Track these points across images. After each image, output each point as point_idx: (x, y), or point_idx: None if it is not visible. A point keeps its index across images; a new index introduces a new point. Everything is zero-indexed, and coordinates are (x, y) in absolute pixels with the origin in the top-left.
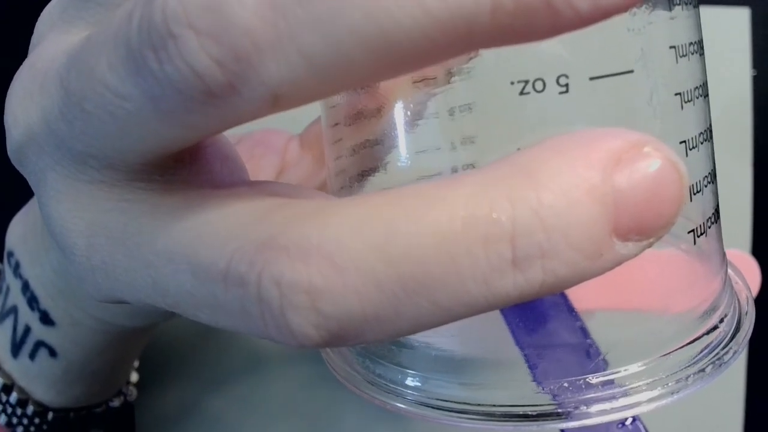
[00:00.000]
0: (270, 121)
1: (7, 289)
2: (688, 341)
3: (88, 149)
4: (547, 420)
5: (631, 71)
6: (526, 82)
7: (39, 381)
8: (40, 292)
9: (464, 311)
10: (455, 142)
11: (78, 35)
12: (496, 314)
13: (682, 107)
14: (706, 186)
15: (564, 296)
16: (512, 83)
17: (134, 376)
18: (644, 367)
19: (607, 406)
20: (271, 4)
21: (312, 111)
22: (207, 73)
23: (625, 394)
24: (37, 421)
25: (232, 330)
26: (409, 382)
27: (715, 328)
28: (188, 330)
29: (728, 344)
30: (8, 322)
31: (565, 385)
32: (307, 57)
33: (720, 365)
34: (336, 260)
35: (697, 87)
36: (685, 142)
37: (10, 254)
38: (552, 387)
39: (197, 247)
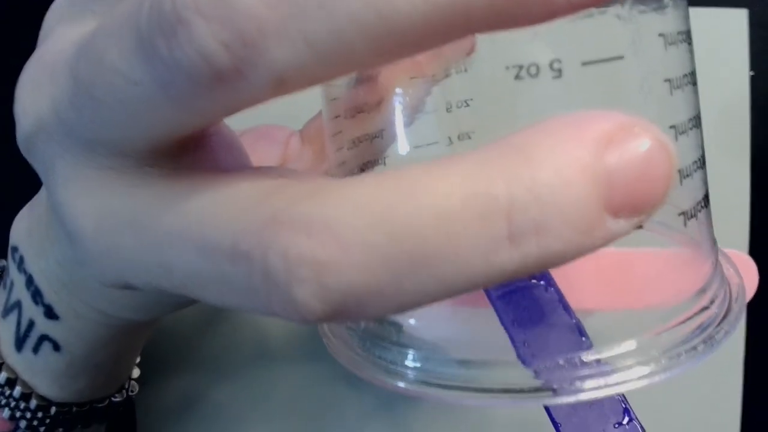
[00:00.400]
0: (271, 117)
1: (11, 284)
2: (680, 321)
3: (97, 136)
4: (543, 395)
5: (622, 57)
6: (521, 67)
7: (42, 375)
8: (44, 286)
9: (463, 286)
10: (452, 137)
11: (86, 27)
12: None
13: (671, 93)
14: (695, 171)
15: (551, 280)
16: (507, 68)
17: (136, 371)
18: (637, 346)
19: (601, 382)
20: None
21: (312, 107)
22: (215, 57)
23: (618, 371)
24: (40, 415)
25: (237, 309)
26: (409, 362)
27: (706, 308)
28: (188, 324)
29: (720, 324)
30: (12, 317)
31: (560, 362)
32: (309, 42)
33: (712, 344)
34: (340, 235)
35: (685, 74)
36: (674, 127)
37: (15, 249)
38: (548, 364)
39: (203, 226)
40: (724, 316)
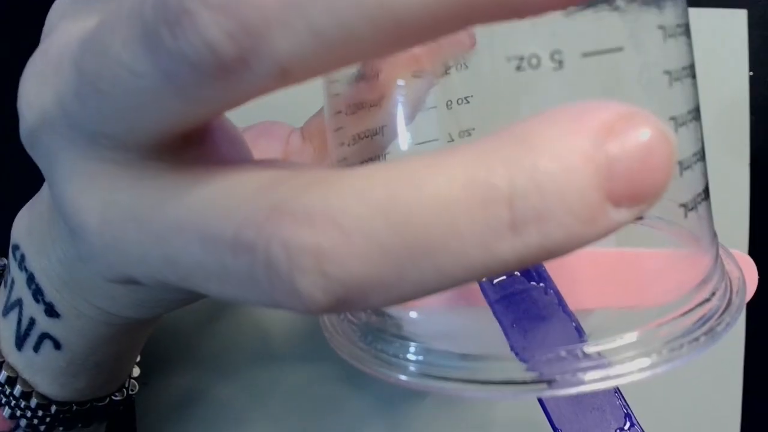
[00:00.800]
0: (272, 114)
1: (12, 282)
2: (681, 312)
3: (102, 129)
4: (545, 387)
5: (621, 49)
6: (522, 58)
7: (43, 373)
8: (45, 284)
9: (465, 275)
10: (453, 134)
11: (90, 22)
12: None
13: (670, 85)
14: (695, 163)
15: (547, 276)
16: (508, 59)
17: (136, 370)
18: (638, 338)
19: (603, 373)
20: None
21: (313, 104)
22: (219, 47)
23: (620, 363)
24: (40, 413)
25: (241, 301)
26: (411, 355)
27: (707, 301)
28: (188, 323)
29: (721, 316)
30: (13, 315)
31: (562, 354)
32: (314, 31)
33: (713, 336)
34: (341, 224)
35: (684, 67)
36: (674, 118)
37: (16, 247)
38: (550, 356)
39: (206, 217)
40: (725, 309)
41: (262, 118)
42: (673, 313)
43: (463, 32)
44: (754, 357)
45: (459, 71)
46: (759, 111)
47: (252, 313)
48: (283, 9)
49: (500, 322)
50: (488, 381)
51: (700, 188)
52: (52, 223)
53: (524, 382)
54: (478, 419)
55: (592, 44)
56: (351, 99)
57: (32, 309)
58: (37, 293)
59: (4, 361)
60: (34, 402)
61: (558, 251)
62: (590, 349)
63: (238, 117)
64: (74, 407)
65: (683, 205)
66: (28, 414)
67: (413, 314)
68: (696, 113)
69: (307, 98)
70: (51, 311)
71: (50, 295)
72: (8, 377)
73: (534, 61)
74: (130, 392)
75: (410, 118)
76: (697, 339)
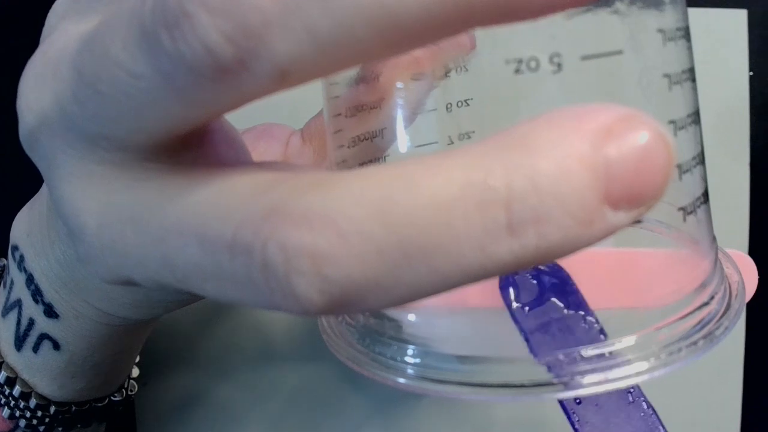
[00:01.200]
0: (272, 116)
1: (11, 283)
2: (680, 316)
3: (101, 130)
4: (543, 390)
5: (621, 52)
6: (520, 61)
7: (42, 374)
8: (44, 285)
9: (461, 278)
10: (452, 137)
11: (89, 24)
12: (494, 289)
13: (670, 88)
14: (695, 166)
15: (561, 269)
16: (507, 62)
17: (135, 371)
18: (637, 340)
19: (601, 377)
20: None
21: (313, 106)
22: (218, 49)
23: (619, 366)
24: (39, 414)
25: (239, 303)
26: (409, 358)
27: (706, 304)
28: (187, 324)
29: (720, 320)
30: (12, 316)
31: (561, 357)
32: (313, 34)
33: (712, 339)
34: (339, 226)
35: (684, 71)
36: (674, 122)
37: (15, 248)
38: (548, 359)
39: (204, 219)
40: (724, 312)
41: (262, 119)
42: (671, 316)
43: (463, 35)
44: (754, 357)
45: (459, 74)
46: (759, 111)
47: (251, 314)
48: (282, 11)
49: (502, 294)
50: (486, 384)
51: (699, 192)
52: (51, 224)
53: (522, 386)
54: (477, 419)
55: (592, 47)
56: (351, 101)
57: (31, 310)
58: (36, 294)
59: (3, 362)
60: (33, 402)
61: (555, 253)
62: (588, 352)
63: (238, 118)
64: (73, 408)
65: (682, 209)
66: (28, 414)
67: (411, 316)
68: (695, 117)
69: (306, 100)
70: (50, 312)
71: (49, 295)
72: (7, 378)
73: (533, 64)
74: (129, 393)
75: (410, 120)
76: (695, 343)
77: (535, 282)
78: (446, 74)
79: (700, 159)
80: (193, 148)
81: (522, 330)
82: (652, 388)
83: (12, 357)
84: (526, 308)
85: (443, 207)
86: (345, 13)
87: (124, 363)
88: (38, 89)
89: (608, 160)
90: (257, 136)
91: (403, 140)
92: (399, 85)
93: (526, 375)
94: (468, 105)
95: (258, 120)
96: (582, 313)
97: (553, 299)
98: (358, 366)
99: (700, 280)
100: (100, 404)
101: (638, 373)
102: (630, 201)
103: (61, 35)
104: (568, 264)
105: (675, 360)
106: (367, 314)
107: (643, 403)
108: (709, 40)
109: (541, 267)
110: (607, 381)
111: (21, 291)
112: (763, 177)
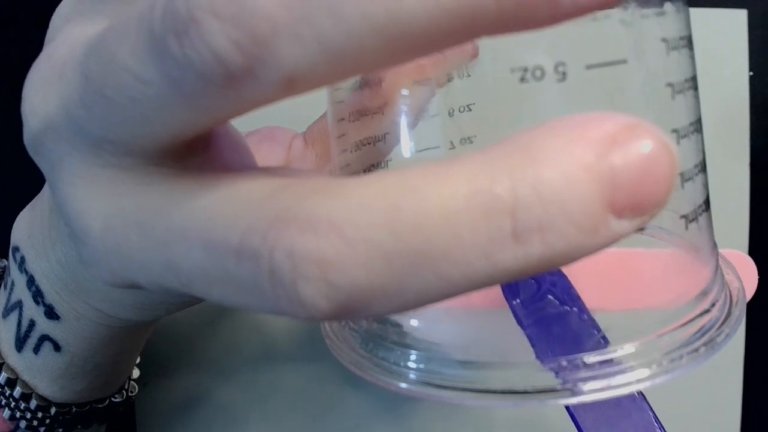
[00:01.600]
0: (275, 119)
1: (12, 284)
2: (681, 323)
3: (107, 135)
4: (546, 396)
5: (625, 61)
6: (526, 69)
7: (42, 375)
8: (45, 286)
9: (467, 285)
10: (455, 141)
11: (95, 27)
12: (498, 295)
13: (673, 97)
14: (697, 174)
15: (563, 276)
16: (512, 70)
17: (136, 372)
18: (639, 347)
19: (603, 383)
20: None
21: (316, 110)
22: (226, 56)
23: (620, 372)
24: (40, 415)
25: (244, 308)
26: (412, 363)
27: (707, 311)
28: (188, 325)
29: (721, 327)
30: (13, 317)
31: (563, 363)
32: (321, 42)
33: (713, 346)
34: (345, 233)
35: (687, 79)
36: (676, 131)
37: (16, 249)
38: (551, 365)
39: (211, 223)
40: (725, 319)
41: (265, 123)
42: (673, 323)
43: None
44: (754, 357)
45: (461, 79)
46: (759, 111)
47: (252, 315)
48: (291, 19)
49: (507, 299)
50: (489, 390)
51: (700, 200)
52: (53, 225)
53: (525, 392)
54: (479, 420)
55: (596, 56)
56: (354, 106)
57: (32, 311)
58: (37, 295)
59: (3, 363)
60: (33, 403)
61: (560, 261)
62: (591, 358)
63: (241, 121)
64: (74, 409)
65: (684, 217)
66: (28, 415)
67: (414, 321)
68: (698, 125)
69: (309, 103)
70: (51, 313)
71: (50, 297)
72: (8, 379)
73: (538, 72)
74: (130, 394)
75: (412, 125)
76: (696, 350)
77: (533, 281)
78: (449, 80)
79: (702, 167)
80: (198, 152)
81: (523, 327)
82: (652, 388)
83: (13, 358)
84: (525, 304)
85: (449, 215)
86: (353, 22)
87: (124, 364)
88: (43, 93)
89: (612, 169)
90: (260, 139)
91: (405, 144)
92: (402, 90)
93: (530, 381)
94: (470, 110)
95: (261, 123)
96: (578, 310)
97: (550, 297)
98: (361, 371)
99: (701, 287)
100: (100, 405)
101: (640, 380)
102: (634, 209)
103: (67, 38)
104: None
105: (676, 367)
106: (370, 319)
107: (644, 403)
108: (709, 41)
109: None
110: (609, 388)
111: (22, 292)
112: (763, 177)
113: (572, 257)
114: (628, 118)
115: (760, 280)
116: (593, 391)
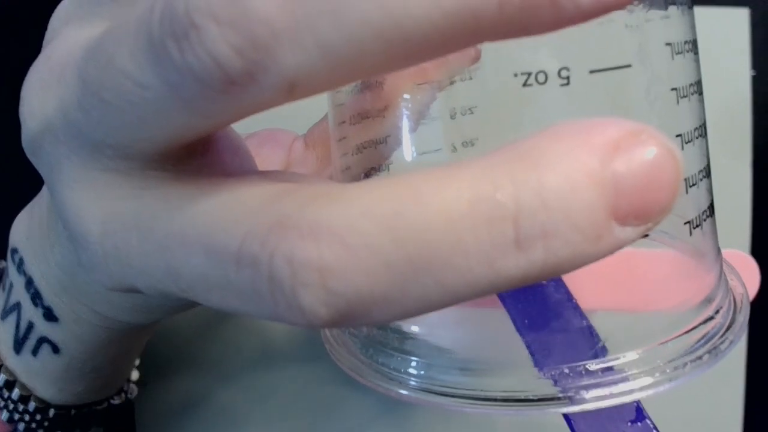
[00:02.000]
0: (275, 121)
1: (11, 286)
2: (685, 330)
3: (105, 138)
4: (547, 405)
5: (629, 65)
6: (529, 74)
7: (41, 377)
8: (44, 288)
9: (469, 292)
10: (456, 144)
11: (94, 30)
12: (498, 302)
13: (677, 102)
14: (701, 180)
15: (563, 284)
16: (515, 75)
17: (135, 374)
18: (642, 355)
19: (605, 391)
20: None
21: (316, 112)
22: (226, 61)
23: (623, 380)
24: (38, 417)
25: (243, 313)
26: (412, 369)
27: (711, 318)
28: (188, 327)
29: (724, 334)
30: (11, 319)
31: (565, 371)
32: (322, 46)
33: (717, 354)
34: (346, 240)
35: (692, 84)
36: (681, 135)
37: (14, 251)
38: (552, 373)
39: (210, 229)
40: (729, 326)
41: (265, 125)
42: (676, 330)
43: None
44: (755, 357)
45: (463, 82)
46: (761, 110)
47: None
48: (291, 24)
49: (506, 307)
50: (490, 398)
51: (705, 205)
52: (51, 228)
53: (527, 400)
54: (479, 421)
55: (600, 61)
56: (355, 108)
57: (31, 313)
58: (36, 297)
59: (2, 365)
60: (32, 406)
61: (563, 268)
62: (593, 366)
63: (242, 124)
64: (73, 411)
65: (688, 222)
66: (27, 418)
67: (415, 328)
68: (702, 130)
69: (310, 106)
70: (49, 315)
71: (49, 299)
72: (6, 381)
73: (541, 77)
74: (129, 396)
75: (414, 128)
76: (700, 357)
77: (532, 288)
78: (451, 82)
79: (706, 172)
80: (198, 156)
81: (521, 334)
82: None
83: (11, 360)
84: (523, 311)
85: (452, 221)
86: (354, 27)
87: (123, 366)
88: (42, 95)
89: (616, 175)
90: (260, 141)
91: (407, 147)
92: (403, 92)
93: (530, 389)
94: (472, 113)
95: (261, 125)
96: (577, 317)
97: (549, 303)
98: (361, 377)
99: (705, 293)
100: (99, 407)
101: (642, 388)
102: (638, 216)
103: (65, 40)
104: None
105: (680, 375)
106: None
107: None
108: (711, 40)
109: None
110: (611, 396)
111: (20, 294)
112: (765, 176)
113: (575, 264)
114: (632, 123)
115: (762, 280)
116: (595, 399)
